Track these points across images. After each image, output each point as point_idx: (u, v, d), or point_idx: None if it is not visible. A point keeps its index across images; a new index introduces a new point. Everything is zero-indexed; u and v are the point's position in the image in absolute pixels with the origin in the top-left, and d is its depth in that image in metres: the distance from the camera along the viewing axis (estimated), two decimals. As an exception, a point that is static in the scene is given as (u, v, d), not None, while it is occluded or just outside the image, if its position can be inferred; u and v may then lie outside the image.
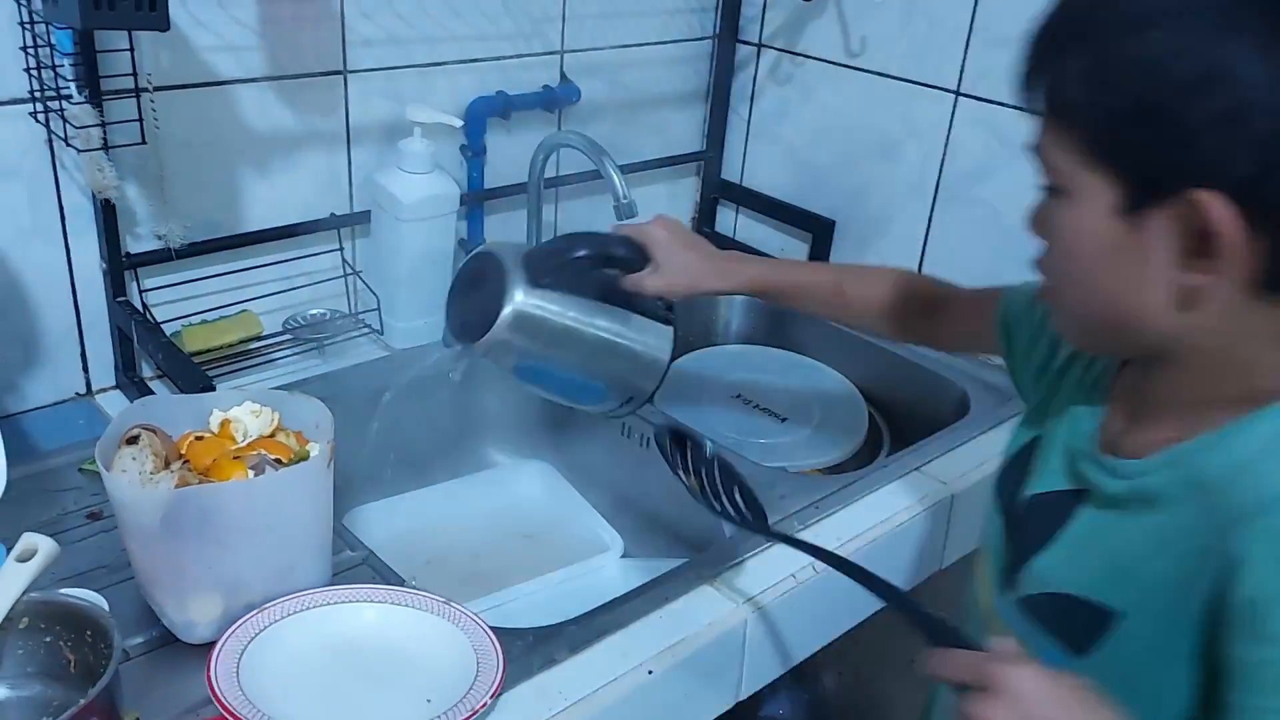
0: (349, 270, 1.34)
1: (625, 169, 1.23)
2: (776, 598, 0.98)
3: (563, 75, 1.48)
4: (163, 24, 0.90)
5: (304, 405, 0.93)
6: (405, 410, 1.27)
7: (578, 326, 1.05)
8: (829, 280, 1.14)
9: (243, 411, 0.91)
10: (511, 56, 1.41)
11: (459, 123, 1.30)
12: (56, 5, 0.90)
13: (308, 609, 0.87)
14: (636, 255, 1.06)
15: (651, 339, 1.10)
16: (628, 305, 1.08)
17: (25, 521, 0.89)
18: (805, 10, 1.55)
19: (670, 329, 1.11)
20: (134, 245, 1.17)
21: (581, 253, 1.05)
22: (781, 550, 1.00)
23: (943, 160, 1.46)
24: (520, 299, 1.01)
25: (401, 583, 0.94)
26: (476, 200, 1.42)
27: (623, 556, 1.22)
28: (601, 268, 1.07)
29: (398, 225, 1.28)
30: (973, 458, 1.22)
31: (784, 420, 1.39)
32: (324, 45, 1.24)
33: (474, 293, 1.05)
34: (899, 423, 1.42)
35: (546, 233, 1.44)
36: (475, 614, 0.87)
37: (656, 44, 1.58)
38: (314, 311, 1.32)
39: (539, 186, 1.38)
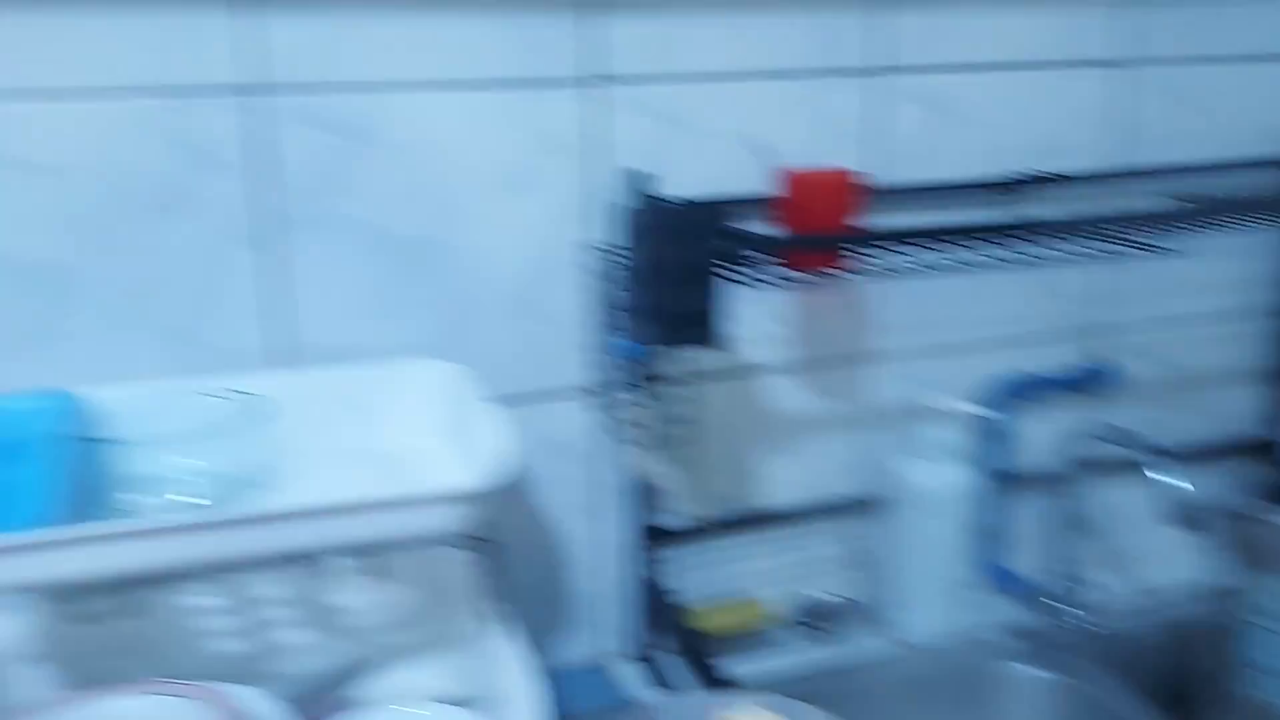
0: (861, 556, 1.32)
1: (1169, 454, 1.11)
2: None
3: (1095, 355, 1.38)
4: (717, 345, 0.96)
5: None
6: (915, 714, 1.19)
7: None
8: None
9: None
10: (1039, 336, 1.35)
11: (980, 410, 1.26)
12: (624, 333, 1.00)
13: None
14: None
15: None
16: None
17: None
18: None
19: None
20: (660, 520, 1.24)
21: None
22: None
23: None
24: None
25: None
26: (998, 488, 1.35)
27: None
28: None
29: (913, 513, 1.25)
30: None
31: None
32: (849, 332, 1.27)
33: None
34: None
35: (1080, 526, 1.31)
36: None
37: (1205, 318, 1.43)
38: (823, 596, 1.31)
39: (1068, 475, 1.28)
